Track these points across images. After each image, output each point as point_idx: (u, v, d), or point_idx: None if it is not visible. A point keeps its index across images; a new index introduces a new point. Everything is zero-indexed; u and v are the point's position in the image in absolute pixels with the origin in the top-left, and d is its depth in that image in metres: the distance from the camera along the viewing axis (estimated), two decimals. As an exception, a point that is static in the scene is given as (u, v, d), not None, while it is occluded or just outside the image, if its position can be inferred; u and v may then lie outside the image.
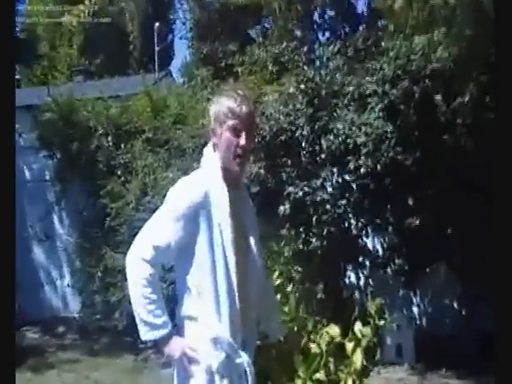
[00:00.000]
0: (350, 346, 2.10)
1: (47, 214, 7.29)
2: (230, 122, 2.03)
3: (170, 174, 5.13)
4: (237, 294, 1.96)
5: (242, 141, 2.03)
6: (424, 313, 5.67)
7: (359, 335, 2.10)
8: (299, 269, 3.98)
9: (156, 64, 13.49)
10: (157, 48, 13.95)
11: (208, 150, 2.15)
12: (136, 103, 6.68)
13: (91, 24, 14.66)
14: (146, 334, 1.96)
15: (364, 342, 2.10)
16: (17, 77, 17.94)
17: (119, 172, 6.21)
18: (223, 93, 2.12)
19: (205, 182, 2.02)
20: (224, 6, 11.27)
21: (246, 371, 1.97)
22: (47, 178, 7.44)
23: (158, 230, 1.99)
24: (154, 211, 5.61)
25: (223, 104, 2.06)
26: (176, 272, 2.06)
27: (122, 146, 6.33)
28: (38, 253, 7.65)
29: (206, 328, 1.95)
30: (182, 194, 2.02)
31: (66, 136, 6.62)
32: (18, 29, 16.73)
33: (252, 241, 2.10)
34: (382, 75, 4.71)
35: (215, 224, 1.97)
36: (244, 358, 1.97)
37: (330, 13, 9.80)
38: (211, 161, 2.10)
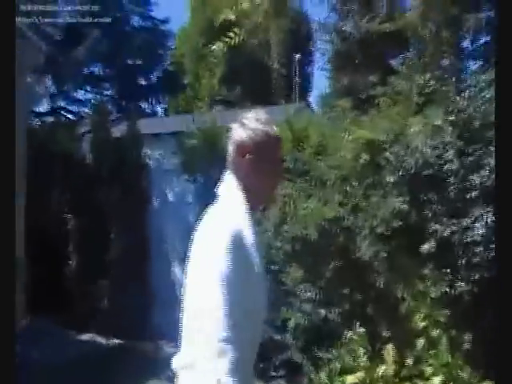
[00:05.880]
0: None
1: (188, 234, 7.62)
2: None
3: (311, 204, 5.06)
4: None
5: None
6: None
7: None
8: (447, 313, 3.66)
9: (296, 95, 13.68)
10: (297, 79, 14.16)
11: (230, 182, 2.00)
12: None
13: (233, 55, 15.35)
14: None
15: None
16: (165, 106, 19.36)
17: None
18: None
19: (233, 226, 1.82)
20: (365, 35, 11.12)
21: None
22: (190, 200, 7.85)
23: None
24: (290, 241, 5.52)
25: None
26: None
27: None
28: (177, 271, 7.99)
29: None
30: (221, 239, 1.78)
31: (208, 162, 6.89)
32: (167, 62, 18.18)
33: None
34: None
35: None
36: None
37: (484, 38, 9.15)
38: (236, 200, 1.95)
